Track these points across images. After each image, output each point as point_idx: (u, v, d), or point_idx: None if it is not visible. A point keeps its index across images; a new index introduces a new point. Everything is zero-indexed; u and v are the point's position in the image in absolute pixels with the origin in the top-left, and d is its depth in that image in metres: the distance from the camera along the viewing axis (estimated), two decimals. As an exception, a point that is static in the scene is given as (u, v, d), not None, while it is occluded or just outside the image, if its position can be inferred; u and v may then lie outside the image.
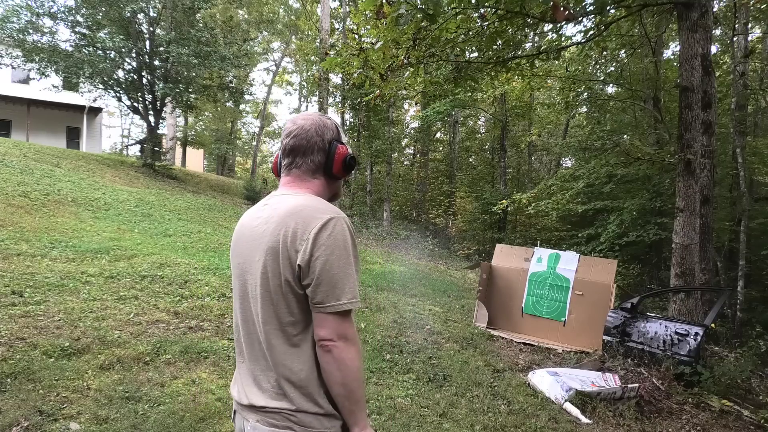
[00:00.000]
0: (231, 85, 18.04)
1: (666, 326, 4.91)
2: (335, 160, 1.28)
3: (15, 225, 6.48)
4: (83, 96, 15.71)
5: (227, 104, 24.16)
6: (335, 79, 19.34)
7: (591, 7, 5.34)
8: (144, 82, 14.77)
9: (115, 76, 14.46)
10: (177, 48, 13.39)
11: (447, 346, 5.20)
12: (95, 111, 20.09)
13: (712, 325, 5.14)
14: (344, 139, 1.35)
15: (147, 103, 15.16)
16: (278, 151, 1.35)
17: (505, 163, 19.20)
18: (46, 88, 14.87)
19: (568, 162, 20.62)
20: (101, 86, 14.44)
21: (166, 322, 4.29)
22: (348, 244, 1.13)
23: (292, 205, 1.17)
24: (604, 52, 9.94)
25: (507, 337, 6.05)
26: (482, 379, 4.29)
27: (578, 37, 13.71)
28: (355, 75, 5.50)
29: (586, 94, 12.45)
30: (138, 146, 28.38)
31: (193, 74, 15.11)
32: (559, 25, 6.29)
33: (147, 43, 14.50)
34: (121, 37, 13.11)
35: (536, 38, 14.09)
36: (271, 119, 36.53)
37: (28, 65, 13.71)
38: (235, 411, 1.28)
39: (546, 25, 6.20)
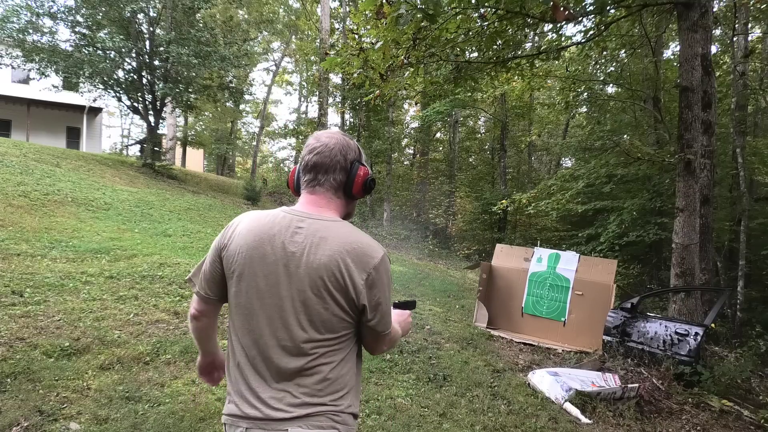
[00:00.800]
0: (231, 85, 18.04)
1: (666, 326, 4.91)
2: (356, 182, 1.30)
3: (15, 225, 6.48)
4: (83, 96, 15.70)
5: (227, 104, 24.17)
6: (335, 79, 19.36)
7: (591, 7, 5.34)
8: (144, 82, 14.76)
9: (115, 76, 14.46)
10: (177, 48, 13.39)
11: (447, 346, 5.20)
12: (95, 111, 20.09)
13: (712, 325, 5.15)
14: (364, 160, 1.37)
15: (147, 103, 15.16)
16: (296, 166, 1.35)
17: (505, 163, 19.20)
18: (46, 88, 14.86)
19: (568, 162, 20.62)
20: (101, 86, 14.44)
21: (166, 322, 4.29)
22: (390, 277, 1.28)
23: (343, 237, 1.21)
24: (604, 52, 9.94)
25: (507, 337, 6.05)
26: (482, 379, 4.29)
27: (578, 37, 13.71)
28: (355, 75, 5.50)
29: (586, 94, 12.46)
30: (138, 146, 28.40)
31: (193, 74, 15.11)
32: (559, 25, 6.29)
33: (147, 43, 14.50)
34: (121, 37, 13.11)
35: (536, 38, 14.09)
36: (271, 119, 36.54)
37: (28, 65, 13.71)
38: (230, 425, 1.24)
39: (546, 25, 6.20)
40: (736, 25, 10.06)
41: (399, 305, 1.53)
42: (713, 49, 10.72)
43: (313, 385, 1.20)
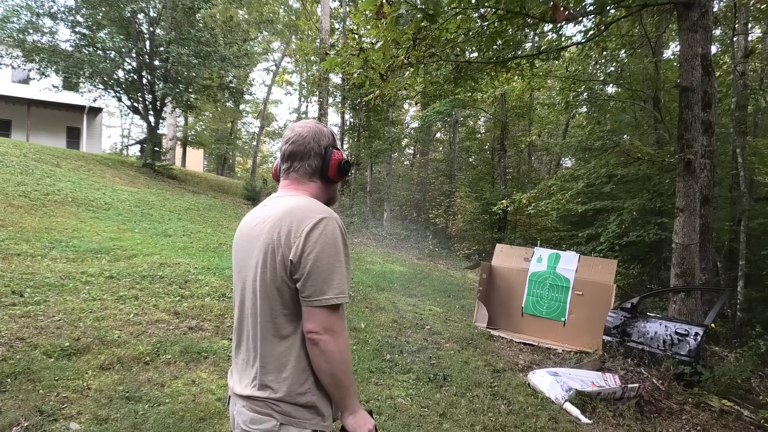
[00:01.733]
0: (231, 85, 18.03)
1: (666, 326, 4.91)
2: (330, 165, 1.36)
3: (15, 225, 6.48)
4: (83, 96, 15.70)
5: (227, 104, 24.17)
6: (335, 79, 19.35)
7: (591, 7, 5.34)
8: (144, 82, 14.76)
9: (115, 76, 14.45)
10: (177, 48, 13.38)
11: (447, 346, 5.20)
12: (95, 111, 20.08)
13: (712, 325, 5.14)
14: (339, 145, 1.44)
15: (147, 103, 15.16)
16: (278, 158, 1.45)
17: (505, 163, 19.20)
18: (46, 88, 14.86)
19: (568, 162, 20.62)
20: (101, 86, 14.44)
21: (166, 322, 4.29)
22: (338, 242, 1.20)
23: (288, 206, 1.25)
24: (604, 52, 9.93)
25: (507, 337, 6.05)
26: (482, 379, 4.29)
27: (578, 37, 13.71)
28: (355, 75, 5.50)
29: (586, 94, 12.46)
30: (138, 146, 28.40)
31: (193, 74, 15.11)
32: (559, 25, 6.29)
33: (147, 43, 14.50)
34: (121, 37, 13.10)
35: (536, 38, 14.09)
36: (271, 119, 36.54)
37: (28, 65, 13.71)
38: (229, 397, 1.36)
39: (546, 25, 6.21)
40: (736, 25, 10.06)
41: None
42: (713, 49, 10.73)
43: (261, 368, 1.24)
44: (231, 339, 4.09)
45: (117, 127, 41.03)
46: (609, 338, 5.21)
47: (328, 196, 1.41)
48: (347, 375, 1.20)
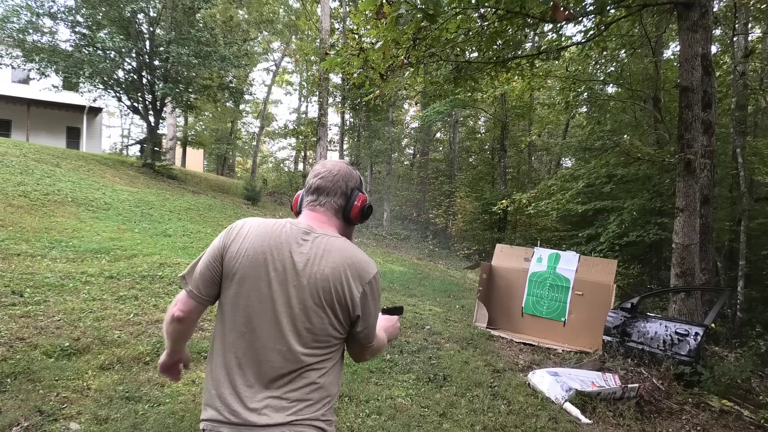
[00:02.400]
0: (231, 85, 18.02)
1: (666, 326, 4.91)
2: (354, 207, 1.40)
3: (15, 225, 6.48)
4: (83, 96, 15.69)
5: (227, 104, 24.14)
6: (335, 79, 19.34)
7: (591, 7, 5.34)
8: (144, 82, 14.76)
9: (115, 76, 14.44)
10: (177, 48, 13.38)
11: (447, 346, 5.20)
12: (95, 111, 20.08)
13: (712, 325, 5.14)
14: (364, 189, 1.50)
15: (147, 103, 15.15)
16: (301, 191, 1.48)
17: (505, 163, 19.20)
18: (46, 88, 14.85)
19: (568, 162, 20.62)
20: (101, 86, 14.43)
21: (166, 322, 4.29)
22: (380, 292, 1.38)
23: (345, 252, 1.30)
24: (604, 52, 9.93)
25: (507, 337, 6.05)
26: (482, 379, 4.29)
27: (578, 37, 13.71)
28: (355, 75, 5.50)
29: (586, 94, 12.46)
30: (138, 146, 28.38)
31: (193, 74, 15.10)
32: (559, 25, 6.29)
33: (147, 43, 14.49)
34: (121, 37, 13.10)
35: (536, 38, 14.09)
36: (271, 119, 36.49)
37: (28, 65, 13.69)
38: (210, 431, 1.24)
39: (546, 25, 6.20)
40: (736, 25, 10.06)
41: (387, 311, 1.60)
42: (713, 49, 10.72)
43: (300, 392, 1.23)
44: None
45: (117, 127, 41.09)
46: (609, 338, 5.21)
47: (345, 237, 1.40)
48: (384, 346, 1.52)
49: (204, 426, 1.25)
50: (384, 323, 1.56)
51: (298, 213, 1.45)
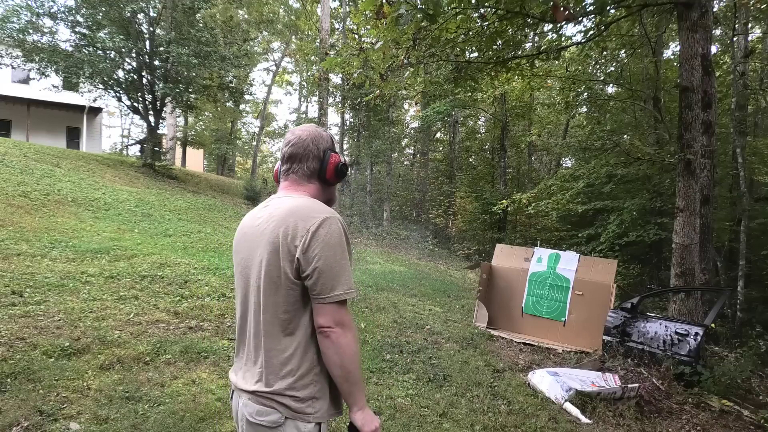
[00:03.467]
0: (231, 85, 18.01)
1: (666, 326, 4.91)
2: (328, 167, 1.41)
3: (15, 225, 6.48)
4: (83, 96, 15.69)
5: (227, 104, 24.12)
6: (335, 79, 19.35)
7: (591, 7, 5.34)
8: (144, 82, 14.76)
9: (115, 76, 14.44)
10: (177, 48, 13.38)
11: (447, 346, 5.20)
12: (95, 111, 20.07)
13: (712, 325, 5.14)
14: (338, 148, 1.48)
15: (147, 103, 15.15)
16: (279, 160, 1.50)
17: (505, 163, 19.20)
18: (46, 88, 14.86)
19: (568, 162, 20.61)
20: (101, 86, 14.43)
21: (166, 322, 4.29)
22: (342, 240, 1.26)
23: (291, 205, 1.30)
24: (604, 52, 9.94)
25: (507, 337, 6.05)
26: (482, 379, 4.29)
27: (578, 37, 13.72)
28: (355, 75, 5.50)
29: (586, 94, 12.44)
30: (138, 146, 28.38)
31: (193, 74, 15.09)
32: (559, 25, 6.29)
33: (147, 43, 14.49)
34: (121, 37, 13.10)
35: (536, 38, 14.08)
36: (271, 119, 36.50)
37: (28, 65, 13.70)
38: (233, 391, 1.41)
39: (546, 25, 6.21)
40: (736, 25, 10.06)
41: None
42: (713, 49, 10.71)
43: (271, 362, 1.27)
44: (231, 338, 4.10)
45: (117, 127, 41.05)
46: (609, 338, 5.21)
47: (327, 198, 1.45)
48: (357, 368, 1.25)
49: (232, 386, 1.42)
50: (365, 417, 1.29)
51: (278, 183, 1.49)
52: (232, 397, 1.42)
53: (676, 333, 4.80)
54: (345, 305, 1.25)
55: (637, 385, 4.16)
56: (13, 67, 14.54)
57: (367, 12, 4.85)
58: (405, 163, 27.36)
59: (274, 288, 1.26)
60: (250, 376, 1.32)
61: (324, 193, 1.44)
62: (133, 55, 14.29)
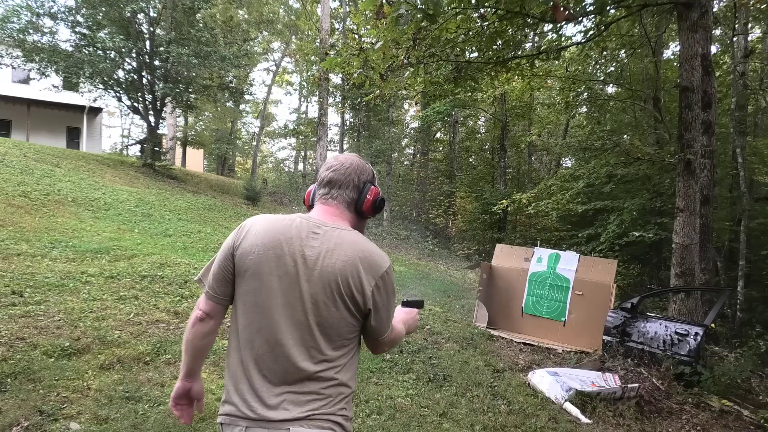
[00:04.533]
0: (231, 85, 18.02)
1: (666, 326, 4.91)
2: (366, 200, 1.39)
3: (15, 225, 6.48)
4: (83, 96, 15.70)
5: (227, 104, 24.15)
6: (335, 79, 19.36)
7: (591, 7, 5.34)
8: (144, 82, 14.76)
9: (115, 76, 14.45)
10: (177, 48, 13.39)
11: (447, 346, 5.20)
12: (95, 111, 20.07)
13: (712, 325, 5.15)
14: (377, 182, 1.48)
15: (147, 103, 15.16)
16: (313, 185, 1.47)
17: (505, 163, 19.20)
18: (46, 88, 14.86)
19: (568, 162, 20.61)
20: (101, 86, 14.43)
21: (166, 322, 4.29)
22: (394, 285, 1.36)
23: (354, 248, 1.28)
24: (604, 52, 9.94)
25: (507, 337, 6.05)
26: (482, 379, 4.29)
27: (578, 37, 13.72)
28: (355, 75, 5.50)
29: (586, 94, 12.44)
30: (138, 146, 28.37)
31: (193, 74, 15.10)
32: (559, 25, 6.29)
33: (147, 43, 14.49)
34: (121, 37, 13.10)
35: (536, 38, 14.09)
36: (271, 119, 36.49)
37: (28, 65, 13.71)
38: (227, 425, 1.25)
39: (546, 25, 6.21)
40: (736, 25, 10.05)
41: (407, 303, 1.58)
42: (713, 49, 10.71)
43: (316, 387, 1.23)
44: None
45: (117, 127, 41.03)
46: (609, 338, 5.21)
47: (357, 230, 1.40)
48: (400, 338, 1.52)
49: (222, 420, 1.27)
50: (403, 316, 1.57)
51: (310, 207, 1.43)
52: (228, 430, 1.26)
53: (676, 333, 4.80)
54: None
55: (637, 385, 4.16)
56: (13, 67, 14.55)
57: (367, 12, 4.85)
58: (405, 163, 27.37)
59: (330, 319, 1.25)
60: (290, 404, 1.22)
61: (357, 226, 1.41)
62: (133, 55, 14.30)
